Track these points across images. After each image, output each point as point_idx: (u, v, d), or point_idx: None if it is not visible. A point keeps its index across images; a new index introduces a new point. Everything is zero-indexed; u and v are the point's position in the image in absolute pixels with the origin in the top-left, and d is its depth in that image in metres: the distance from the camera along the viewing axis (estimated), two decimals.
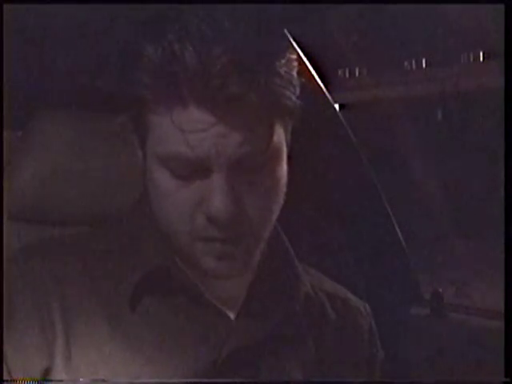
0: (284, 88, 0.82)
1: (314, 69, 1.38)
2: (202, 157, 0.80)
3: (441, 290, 1.56)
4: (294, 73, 0.84)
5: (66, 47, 1.15)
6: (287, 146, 0.88)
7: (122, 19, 1.00)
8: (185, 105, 0.79)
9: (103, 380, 0.85)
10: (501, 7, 0.95)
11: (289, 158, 0.88)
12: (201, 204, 0.83)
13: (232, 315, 0.91)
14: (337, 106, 1.49)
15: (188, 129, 0.80)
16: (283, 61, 0.82)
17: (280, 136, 0.85)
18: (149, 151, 0.86)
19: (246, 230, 0.84)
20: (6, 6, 0.92)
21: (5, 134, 1.00)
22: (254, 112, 0.80)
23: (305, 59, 1.34)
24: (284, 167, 0.87)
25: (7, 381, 0.84)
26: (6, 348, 0.85)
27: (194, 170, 0.82)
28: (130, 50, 0.83)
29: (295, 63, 0.85)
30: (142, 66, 0.81)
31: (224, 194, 0.81)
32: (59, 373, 0.85)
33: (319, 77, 1.39)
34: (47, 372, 0.85)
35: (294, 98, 0.84)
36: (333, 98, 1.44)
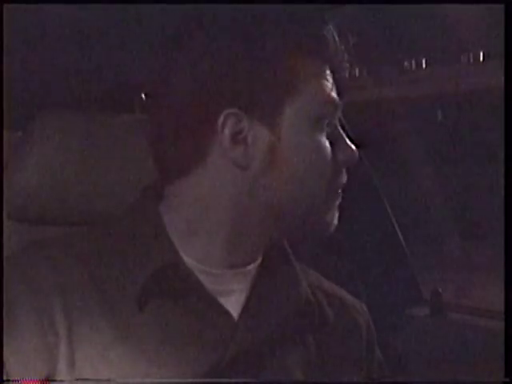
0: None
1: None
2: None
3: (441, 289, 1.56)
4: None
5: (67, 46, 1.15)
6: None
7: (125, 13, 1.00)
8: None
9: (107, 380, 0.85)
10: (501, 7, 0.95)
11: None
12: (336, 153, 0.91)
13: (235, 315, 0.91)
14: None
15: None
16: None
17: None
18: (295, 114, 0.89)
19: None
20: (5, 6, 0.92)
21: (5, 134, 1.00)
22: None
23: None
24: None
25: (7, 381, 0.84)
26: (8, 353, 0.84)
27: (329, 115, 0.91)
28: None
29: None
30: None
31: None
32: (63, 377, 0.84)
33: None
34: (51, 377, 0.85)
35: None
36: None
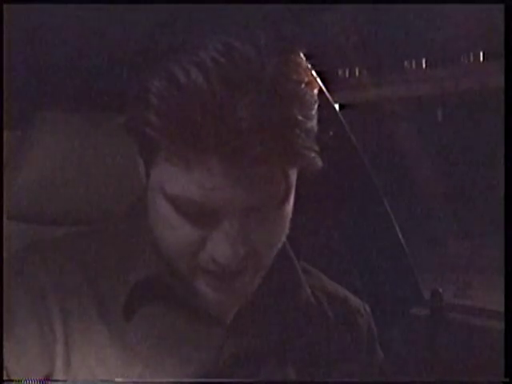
0: (307, 141, 0.77)
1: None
2: (215, 205, 0.79)
3: (441, 290, 1.56)
4: (315, 112, 0.80)
5: (67, 46, 1.15)
6: None
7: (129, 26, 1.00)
8: (204, 161, 0.75)
9: (103, 380, 0.85)
10: (501, 7, 0.95)
11: None
12: (205, 244, 0.82)
13: (227, 320, 0.91)
14: (337, 106, 1.49)
15: (209, 187, 0.77)
16: (309, 109, 0.79)
17: (294, 175, 0.83)
18: (154, 180, 0.83)
19: (249, 265, 0.84)
20: (5, 6, 0.92)
21: (5, 133, 1.00)
22: (273, 167, 0.78)
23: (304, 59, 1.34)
24: (292, 198, 0.84)
25: (7, 381, 0.84)
26: (6, 354, 0.84)
27: (202, 213, 0.80)
28: (136, 82, 0.81)
29: (316, 103, 0.82)
30: (151, 104, 0.77)
31: (233, 240, 0.80)
32: (60, 377, 0.85)
33: (319, 77, 1.39)
34: (49, 377, 0.85)
35: (315, 147, 0.78)
36: (333, 98, 1.44)
